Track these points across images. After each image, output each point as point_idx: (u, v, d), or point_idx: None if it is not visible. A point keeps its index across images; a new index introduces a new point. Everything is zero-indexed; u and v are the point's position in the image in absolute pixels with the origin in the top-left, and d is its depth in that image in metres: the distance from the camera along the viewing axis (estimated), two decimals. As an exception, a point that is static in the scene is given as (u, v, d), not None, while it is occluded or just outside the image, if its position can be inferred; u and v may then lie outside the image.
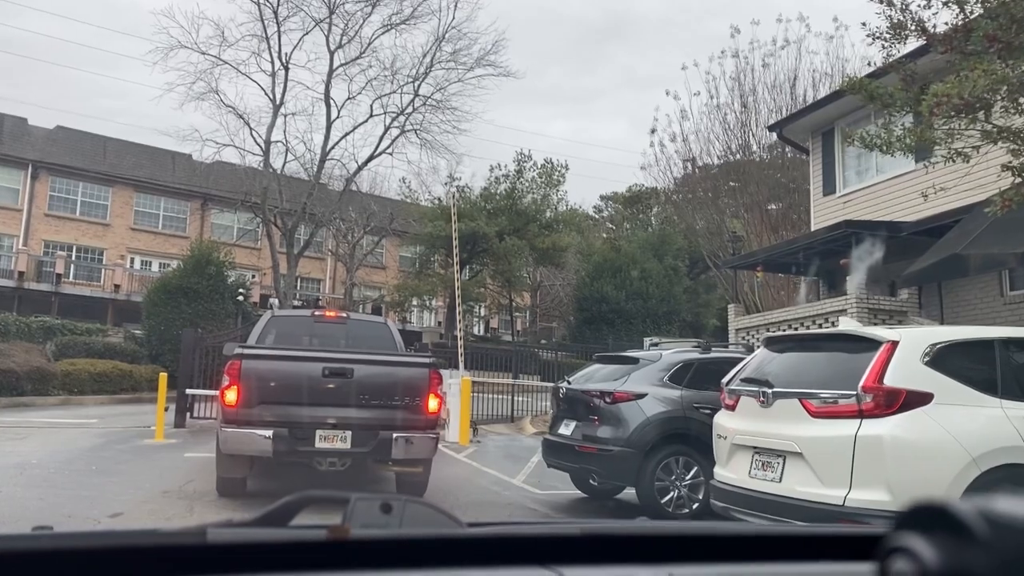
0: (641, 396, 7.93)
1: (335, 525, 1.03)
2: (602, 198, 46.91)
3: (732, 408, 5.99)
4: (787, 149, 21.95)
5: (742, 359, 8.87)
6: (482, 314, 39.86)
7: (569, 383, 8.77)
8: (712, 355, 8.68)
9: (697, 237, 22.76)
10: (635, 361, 8.35)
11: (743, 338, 15.67)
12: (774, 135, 22.34)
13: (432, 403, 8.00)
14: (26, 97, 67.77)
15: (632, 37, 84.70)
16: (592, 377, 8.71)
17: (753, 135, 21.66)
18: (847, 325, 8.12)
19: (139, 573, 0.95)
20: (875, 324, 13.35)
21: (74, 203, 36.22)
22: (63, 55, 63.56)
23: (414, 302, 36.23)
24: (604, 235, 42.39)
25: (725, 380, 6.30)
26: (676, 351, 8.71)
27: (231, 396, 7.64)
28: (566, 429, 8.49)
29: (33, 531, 1.02)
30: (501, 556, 1.09)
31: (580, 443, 8.08)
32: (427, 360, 8.40)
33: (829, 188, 16.70)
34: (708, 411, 8.06)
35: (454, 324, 38.81)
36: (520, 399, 21.13)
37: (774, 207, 20.89)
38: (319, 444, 7.66)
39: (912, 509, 0.69)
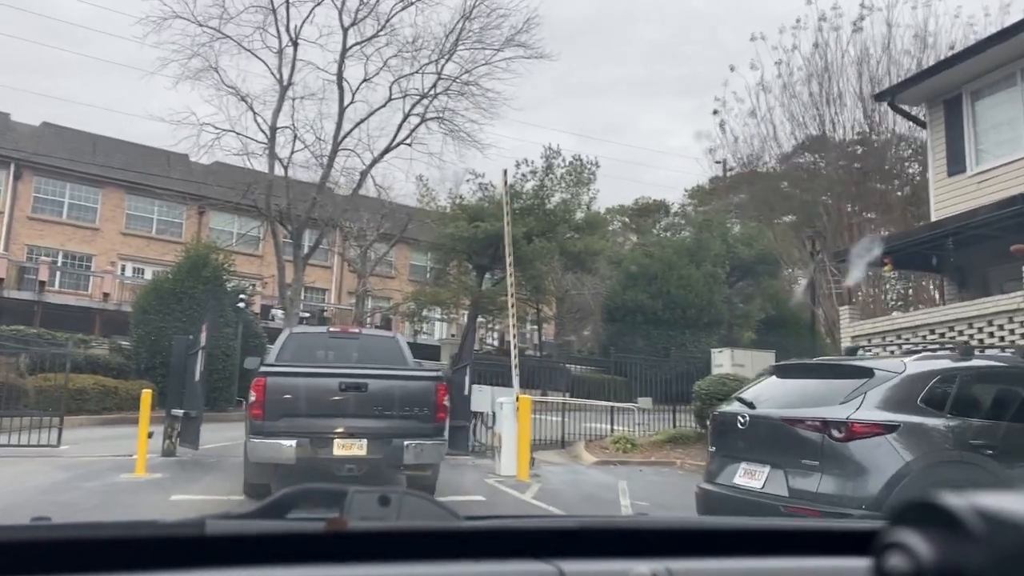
0: (892, 428, 4.97)
1: (333, 517, 1.03)
2: (608, 211, 44.30)
3: None
4: (872, 132, 19.09)
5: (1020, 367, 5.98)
6: (497, 326, 36.77)
7: (752, 406, 5.74)
8: (977, 363, 5.71)
9: (773, 233, 19.84)
10: (867, 373, 5.32)
11: (863, 348, 12.67)
12: (852, 119, 19.53)
13: (440, 413, 8.94)
14: (10, 90, 65.15)
15: (560, 43, 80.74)
16: (787, 397, 5.69)
17: (831, 116, 18.77)
18: None
19: (138, 564, 0.94)
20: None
21: (60, 205, 33.51)
22: (51, 42, 60.91)
23: (425, 313, 33.22)
24: (615, 246, 39.65)
25: None
26: (921, 358, 5.70)
27: (258, 410, 8.47)
28: (749, 479, 5.51)
29: (32, 522, 1.03)
30: (499, 549, 1.07)
31: (788, 503, 5.09)
32: (435, 374, 9.64)
33: (956, 166, 13.79)
34: (990, 453, 5.11)
35: (474, 336, 36.01)
36: (566, 420, 18.40)
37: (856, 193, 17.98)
38: (337, 452, 8.47)
39: (907, 505, 0.67)
